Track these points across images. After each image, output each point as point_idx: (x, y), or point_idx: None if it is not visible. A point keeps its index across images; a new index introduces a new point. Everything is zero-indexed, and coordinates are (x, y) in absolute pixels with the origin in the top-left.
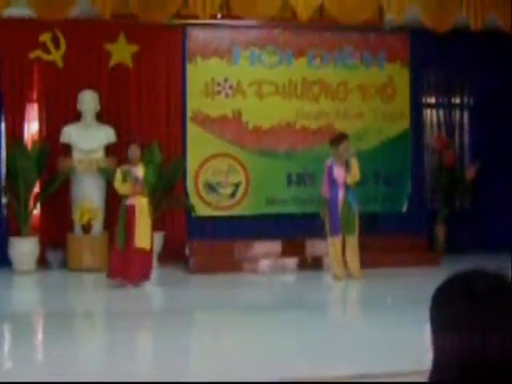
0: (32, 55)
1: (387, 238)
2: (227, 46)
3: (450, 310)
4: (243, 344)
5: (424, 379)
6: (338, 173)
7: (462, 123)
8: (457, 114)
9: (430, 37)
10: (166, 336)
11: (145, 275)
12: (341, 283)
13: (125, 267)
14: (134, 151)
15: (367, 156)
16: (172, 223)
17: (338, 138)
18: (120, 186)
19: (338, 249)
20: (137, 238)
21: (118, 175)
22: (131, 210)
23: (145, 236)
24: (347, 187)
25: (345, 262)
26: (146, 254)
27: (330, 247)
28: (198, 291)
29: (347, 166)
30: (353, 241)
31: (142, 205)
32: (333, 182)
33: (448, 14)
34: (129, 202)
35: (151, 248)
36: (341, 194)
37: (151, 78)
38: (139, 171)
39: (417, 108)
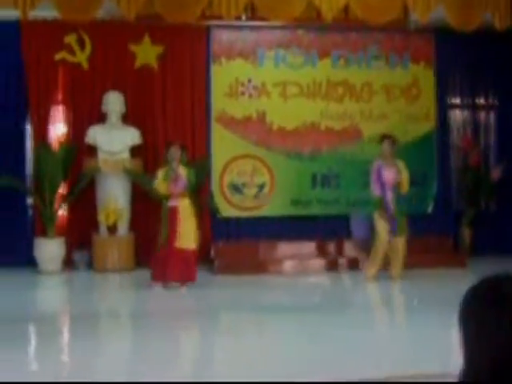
0: (57, 57)
1: (413, 238)
2: (252, 46)
3: (479, 315)
4: (267, 345)
5: (451, 381)
6: (387, 175)
7: (488, 124)
8: (482, 115)
9: (454, 37)
10: (191, 336)
11: (188, 275)
12: (366, 284)
13: (166, 268)
14: (175, 152)
15: None
16: (198, 224)
17: (380, 137)
18: (160, 185)
19: (386, 248)
20: (180, 238)
21: (160, 174)
22: (174, 211)
23: (188, 237)
24: (394, 188)
25: (385, 262)
26: (190, 255)
27: (380, 246)
28: (223, 292)
29: (398, 170)
30: (402, 242)
31: (184, 206)
32: (381, 184)
33: (473, 14)
34: (171, 203)
35: (195, 248)
36: (389, 195)
37: (176, 78)
38: (181, 172)
39: (442, 109)
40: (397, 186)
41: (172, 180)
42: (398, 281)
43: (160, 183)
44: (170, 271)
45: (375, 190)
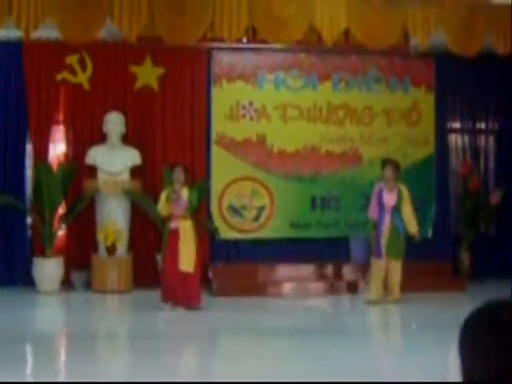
0: (59, 77)
1: (412, 263)
2: (252, 69)
3: (476, 339)
4: (265, 369)
5: None
6: (388, 198)
7: (487, 148)
8: (482, 139)
9: (455, 61)
10: (188, 359)
11: (193, 298)
12: (364, 307)
13: (174, 291)
14: (179, 173)
15: None
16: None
17: (383, 162)
18: (162, 207)
19: (380, 272)
20: (182, 261)
21: (163, 196)
22: (175, 233)
23: (188, 259)
24: (394, 211)
25: (385, 286)
26: (192, 277)
27: (372, 269)
28: (221, 314)
29: (398, 195)
30: (398, 266)
31: (186, 228)
32: (380, 206)
33: (474, 39)
34: (173, 225)
35: (196, 272)
36: (387, 218)
37: (176, 100)
38: (184, 193)
39: (442, 133)
40: (397, 211)
41: (174, 201)
42: (396, 305)
43: (162, 205)
44: (175, 294)
45: (372, 213)
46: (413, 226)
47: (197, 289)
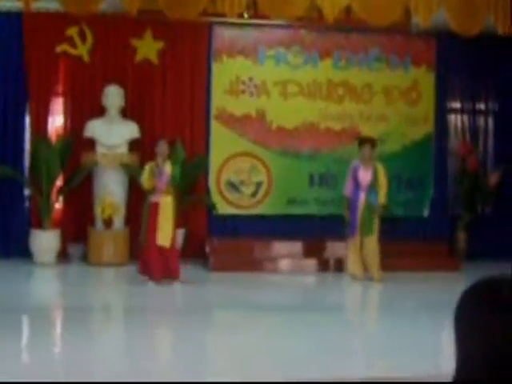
0: (58, 49)
1: (408, 242)
2: (253, 45)
3: (474, 317)
4: (259, 343)
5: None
6: (363, 176)
7: (486, 129)
8: (481, 120)
9: (456, 41)
10: (183, 333)
11: (168, 273)
12: (360, 285)
13: (149, 264)
14: (163, 147)
15: (390, 159)
16: (193, 221)
17: (362, 140)
18: (145, 181)
19: (355, 249)
20: (158, 236)
21: (146, 170)
22: (155, 208)
23: (166, 234)
24: (370, 189)
25: (364, 264)
26: (167, 252)
27: (348, 247)
28: (217, 289)
29: (373, 172)
30: (371, 243)
31: (166, 203)
32: (356, 184)
33: (475, 19)
34: (153, 199)
35: (173, 246)
36: (362, 196)
37: (176, 74)
38: (167, 168)
39: (441, 112)
40: (372, 188)
41: (156, 175)
42: (379, 282)
43: (145, 178)
44: (152, 269)
45: (347, 191)
46: (382, 197)
47: (176, 263)
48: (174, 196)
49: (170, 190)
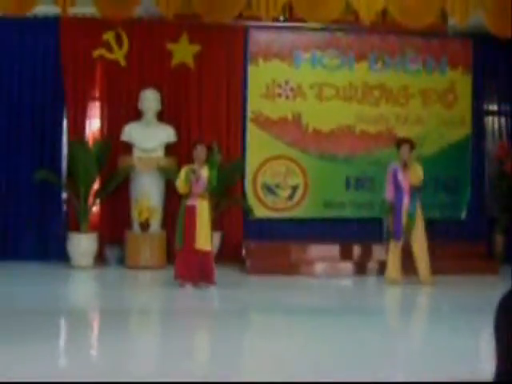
0: (95, 54)
1: (445, 244)
2: (289, 48)
3: (509, 323)
4: (296, 347)
5: None
6: (402, 177)
7: None
8: None
9: (493, 43)
10: (220, 336)
11: (206, 277)
12: (397, 289)
13: (187, 268)
14: (201, 152)
15: (427, 162)
16: (229, 224)
17: (400, 141)
18: (181, 185)
19: (396, 254)
20: (198, 239)
21: (182, 174)
22: (192, 211)
23: (205, 238)
24: (412, 192)
25: (414, 268)
26: (206, 256)
27: (389, 251)
28: (254, 292)
29: (408, 169)
30: (419, 247)
31: (203, 207)
32: (397, 187)
33: None
34: (190, 202)
35: (211, 250)
36: (405, 199)
37: (212, 78)
38: (204, 172)
39: (478, 115)
40: (414, 191)
41: (193, 180)
42: (428, 286)
43: (181, 181)
44: (191, 273)
45: (389, 194)
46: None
47: (211, 267)
48: (210, 200)
49: (206, 194)
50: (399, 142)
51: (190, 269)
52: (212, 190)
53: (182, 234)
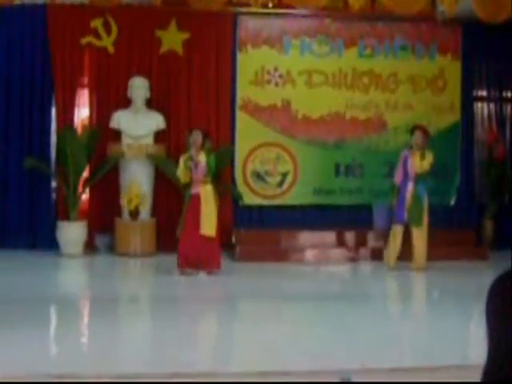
0: (83, 41)
1: (435, 230)
2: (278, 34)
3: (501, 309)
4: (285, 334)
5: (470, 374)
6: (411, 163)
7: None
8: (508, 108)
9: (482, 29)
10: (209, 323)
11: (214, 262)
12: (388, 275)
13: (194, 255)
14: (196, 137)
15: None
16: (219, 211)
17: (413, 128)
18: (182, 174)
19: (397, 238)
20: (202, 225)
21: (181, 163)
22: (196, 198)
23: (210, 223)
24: (418, 179)
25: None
26: (213, 241)
27: (390, 234)
28: (243, 279)
29: (422, 157)
30: (420, 233)
31: (206, 192)
32: (405, 172)
33: (502, 5)
34: (193, 190)
35: (217, 236)
36: (410, 185)
37: (201, 65)
38: (202, 158)
39: (467, 101)
40: (421, 178)
41: (192, 167)
42: (418, 272)
43: (181, 171)
44: (200, 260)
45: (397, 178)
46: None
47: (217, 253)
48: (213, 185)
49: (207, 179)
50: (412, 129)
51: (193, 256)
52: (213, 174)
53: (182, 220)
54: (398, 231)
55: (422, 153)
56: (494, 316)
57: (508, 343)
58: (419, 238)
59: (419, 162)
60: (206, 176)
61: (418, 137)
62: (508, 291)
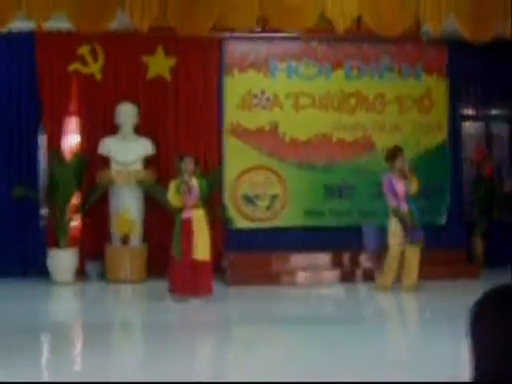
0: (71, 68)
1: (426, 250)
2: (264, 58)
3: (488, 325)
4: (278, 357)
5: None
6: (400, 186)
7: (500, 135)
8: (495, 126)
9: (467, 48)
10: (202, 348)
11: (206, 288)
12: (381, 296)
13: (186, 280)
14: (189, 164)
15: None
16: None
17: (393, 153)
18: (173, 198)
19: (397, 258)
20: (196, 250)
21: (172, 187)
22: (188, 223)
23: (204, 248)
24: (408, 199)
25: (403, 272)
26: (206, 266)
27: (389, 256)
28: (235, 304)
29: (406, 178)
30: (416, 250)
31: (199, 217)
32: (395, 195)
33: (486, 26)
34: (185, 215)
35: (210, 260)
36: (404, 206)
37: (189, 90)
38: (194, 183)
39: (454, 120)
40: (409, 197)
41: (185, 192)
42: (411, 292)
43: (173, 195)
44: (187, 284)
45: (391, 201)
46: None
47: (210, 278)
48: (205, 209)
49: (199, 204)
50: (392, 154)
51: (185, 281)
52: (205, 199)
53: (178, 245)
54: (398, 253)
55: (409, 177)
56: (479, 326)
57: (490, 362)
58: (415, 254)
59: (409, 186)
60: (198, 201)
61: (401, 162)
62: (494, 302)
